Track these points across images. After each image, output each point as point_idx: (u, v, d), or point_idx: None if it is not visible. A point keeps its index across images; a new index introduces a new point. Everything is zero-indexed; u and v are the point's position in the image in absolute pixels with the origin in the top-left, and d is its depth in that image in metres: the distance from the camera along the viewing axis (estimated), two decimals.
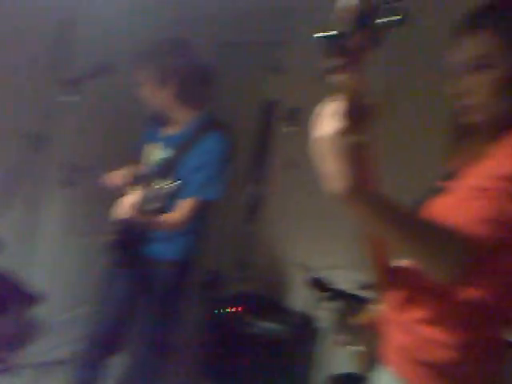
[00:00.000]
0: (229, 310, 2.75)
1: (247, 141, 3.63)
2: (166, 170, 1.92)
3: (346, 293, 2.45)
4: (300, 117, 1.65)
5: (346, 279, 2.52)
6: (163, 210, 1.69)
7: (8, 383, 2.57)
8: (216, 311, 2.73)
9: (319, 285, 2.50)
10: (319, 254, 2.83)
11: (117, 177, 2.00)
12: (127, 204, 1.69)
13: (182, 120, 1.93)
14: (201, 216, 1.90)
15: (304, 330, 2.67)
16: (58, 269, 3.10)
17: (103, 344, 2.08)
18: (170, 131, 2.01)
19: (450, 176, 1.11)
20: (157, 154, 2.02)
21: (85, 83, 1.84)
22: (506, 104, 1.02)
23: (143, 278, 2.00)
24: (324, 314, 2.74)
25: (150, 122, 2.10)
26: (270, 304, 2.90)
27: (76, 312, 3.22)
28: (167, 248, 2.01)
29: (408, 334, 1.10)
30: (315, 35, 0.78)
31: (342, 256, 2.78)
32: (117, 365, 2.27)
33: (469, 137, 1.12)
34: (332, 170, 0.79)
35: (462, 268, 0.88)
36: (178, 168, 1.90)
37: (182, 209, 1.85)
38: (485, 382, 1.08)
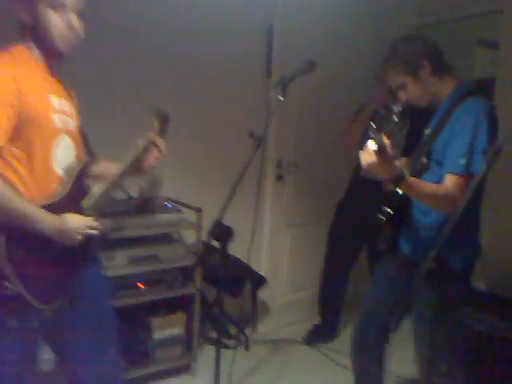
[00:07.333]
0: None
1: None
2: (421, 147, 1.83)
3: None
4: None
5: None
6: None
7: (242, 357, 2.81)
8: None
9: None
10: None
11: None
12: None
13: (446, 93, 1.82)
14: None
15: None
16: (278, 255, 3.35)
17: (374, 329, 2.01)
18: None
19: None
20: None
21: (291, 83, 1.90)
22: None
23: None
24: None
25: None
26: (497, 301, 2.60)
27: (296, 295, 3.43)
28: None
29: None
30: None
31: None
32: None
33: None
34: None
35: None
36: (436, 143, 1.77)
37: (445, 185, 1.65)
38: None
